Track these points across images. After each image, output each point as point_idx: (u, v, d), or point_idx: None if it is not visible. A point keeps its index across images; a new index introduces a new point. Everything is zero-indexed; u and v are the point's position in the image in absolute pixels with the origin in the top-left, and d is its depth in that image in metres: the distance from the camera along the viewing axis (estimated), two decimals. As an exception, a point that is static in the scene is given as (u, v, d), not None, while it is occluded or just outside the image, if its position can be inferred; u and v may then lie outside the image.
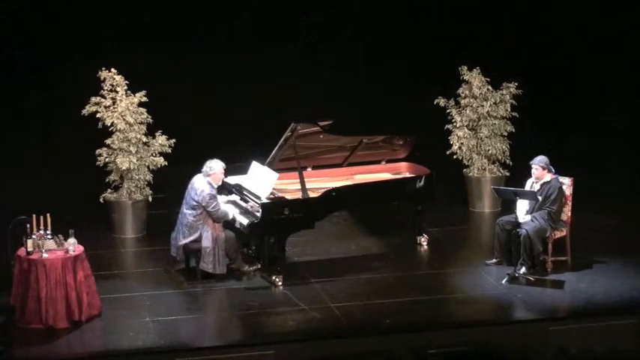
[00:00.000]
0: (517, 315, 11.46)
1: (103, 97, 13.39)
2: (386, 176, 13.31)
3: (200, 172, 12.02)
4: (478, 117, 14.47)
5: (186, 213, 11.97)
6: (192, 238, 11.92)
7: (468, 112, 14.48)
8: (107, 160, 13.48)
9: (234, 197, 12.51)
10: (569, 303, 11.62)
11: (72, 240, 10.97)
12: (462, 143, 14.51)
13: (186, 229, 11.96)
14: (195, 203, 11.89)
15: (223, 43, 15.70)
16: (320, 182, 12.82)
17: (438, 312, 11.37)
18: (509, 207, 12.76)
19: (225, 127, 15.36)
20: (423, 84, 15.38)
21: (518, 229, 12.13)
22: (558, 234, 12.30)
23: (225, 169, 12.04)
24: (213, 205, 11.87)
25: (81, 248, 11.07)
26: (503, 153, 14.53)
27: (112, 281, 12.07)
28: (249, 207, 12.16)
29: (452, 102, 14.59)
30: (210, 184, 11.94)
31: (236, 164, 13.44)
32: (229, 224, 12.12)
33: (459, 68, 14.47)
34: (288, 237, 12.10)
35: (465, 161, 14.63)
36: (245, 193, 12.35)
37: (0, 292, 11.22)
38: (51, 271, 10.77)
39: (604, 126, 15.90)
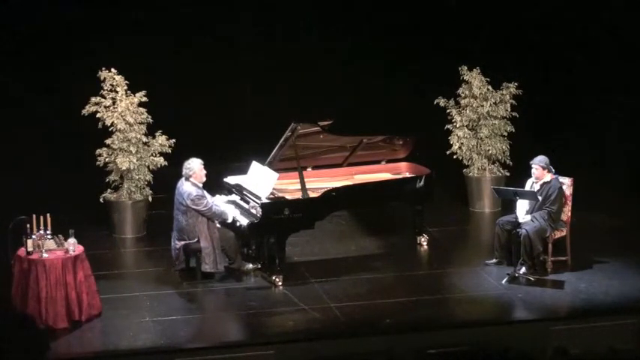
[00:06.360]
0: (517, 315, 11.46)
1: (103, 97, 13.39)
2: (386, 176, 13.30)
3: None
4: (478, 117, 14.46)
5: (179, 218, 11.95)
6: (189, 241, 11.91)
7: (468, 112, 14.48)
8: (107, 160, 13.48)
9: (234, 197, 12.50)
10: (569, 303, 11.62)
11: (72, 240, 10.97)
12: (461, 143, 14.50)
13: (181, 234, 11.95)
14: (184, 208, 11.87)
15: (223, 43, 15.68)
16: (320, 182, 12.82)
17: (438, 312, 11.37)
18: (509, 207, 12.75)
19: (225, 127, 15.36)
20: (423, 84, 15.37)
21: (518, 229, 12.13)
22: (558, 234, 12.30)
23: (203, 164, 11.95)
24: (203, 205, 11.83)
25: (81, 248, 11.07)
26: (503, 153, 14.53)
27: (112, 281, 12.07)
28: (249, 207, 12.15)
29: (452, 102, 14.59)
30: (195, 185, 11.89)
31: (236, 164, 13.46)
32: (229, 224, 12.11)
33: (459, 68, 14.46)
34: (288, 237, 12.09)
35: (465, 161, 14.62)
36: (245, 193, 12.34)
37: (0, 292, 11.22)
38: (51, 271, 10.77)
39: (604, 126, 15.89)
